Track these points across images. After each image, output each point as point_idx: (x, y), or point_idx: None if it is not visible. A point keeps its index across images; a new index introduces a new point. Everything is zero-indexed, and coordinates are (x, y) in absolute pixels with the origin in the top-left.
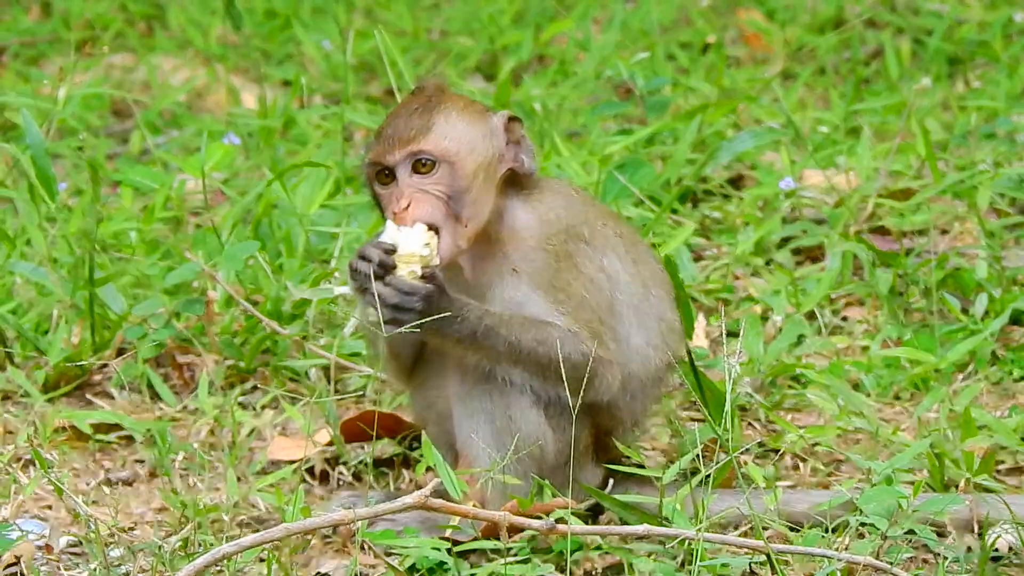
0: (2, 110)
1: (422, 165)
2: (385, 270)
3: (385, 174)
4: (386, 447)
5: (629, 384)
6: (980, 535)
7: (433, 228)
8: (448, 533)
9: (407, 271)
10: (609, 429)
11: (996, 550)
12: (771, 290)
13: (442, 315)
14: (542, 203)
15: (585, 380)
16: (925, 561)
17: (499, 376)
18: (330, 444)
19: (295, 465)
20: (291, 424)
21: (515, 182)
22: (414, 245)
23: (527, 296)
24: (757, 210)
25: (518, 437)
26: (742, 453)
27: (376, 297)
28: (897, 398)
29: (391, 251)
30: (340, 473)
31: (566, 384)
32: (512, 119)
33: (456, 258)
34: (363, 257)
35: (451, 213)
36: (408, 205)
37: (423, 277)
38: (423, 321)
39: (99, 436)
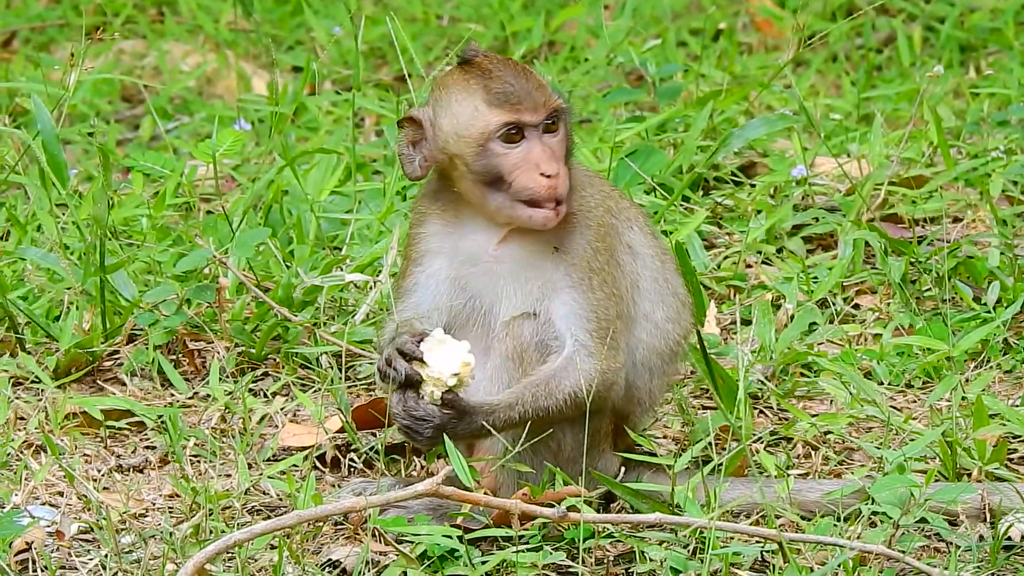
0: (13, 96)
1: (552, 125)
2: (409, 386)
3: (515, 132)
4: (397, 434)
5: (651, 361)
6: (992, 524)
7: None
8: (460, 521)
9: (430, 389)
10: (627, 412)
11: (1008, 539)
12: (783, 278)
13: (463, 432)
14: (575, 179)
15: (602, 392)
16: (937, 550)
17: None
18: (341, 431)
19: (306, 452)
20: (302, 411)
21: None
22: (446, 367)
23: (563, 281)
24: (769, 197)
25: (534, 427)
26: (754, 441)
27: (391, 408)
28: (909, 386)
29: (418, 360)
30: (351, 460)
31: (587, 410)
32: None
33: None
34: (390, 363)
35: (567, 179)
36: (559, 171)
37: (443, 402)
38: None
39: (110, 422)
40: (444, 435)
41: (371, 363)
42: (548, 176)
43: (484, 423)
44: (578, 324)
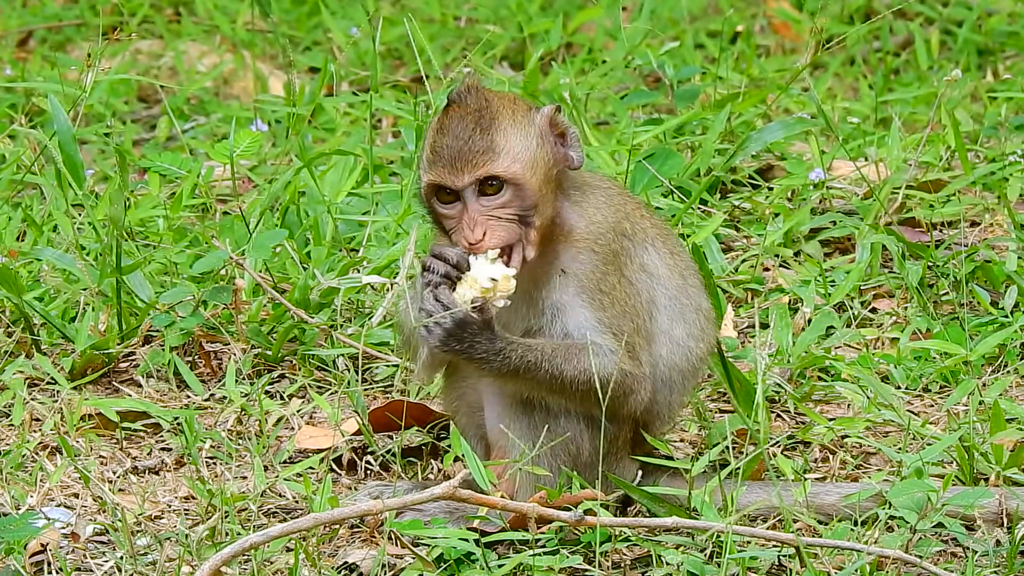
0: (30, 96)
1: (490, 187)
2: (446, 280)
3: (447, 192)
4: (414, 437)
5: (671, 377)
6: (1009, 529)
7: (504, 251)
8: (476, 524)
9: (468, 293)
10: (647, 422)
11: None
12: (800, 281)
13: (479, 347)
14: (588, 202)
15: (620, 398)
16: (954, 555)
17: (535, 402)
18: (357, 433)
19: (323, 454)
20: (319, 413)
21: (561, 178)
22: (481, 273)
23: (572, 301)
24: (786, 201)
25: (552, 432)
26: (771, 445)
27: (419, 299)
28: (926, 390)
29: (460, 267)
30: (368, 463)
31: (603, 408)
32: (555, 110)
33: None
34: (437, 257)
35: (521, 231)
36: (484, 234)
37: (474, 307)
38: (454, 348)
39: (126, 424)
40: (455, 342)
41: (388, 366)
42: (468, 241)
43: (501, 347)
44: (594, 331)
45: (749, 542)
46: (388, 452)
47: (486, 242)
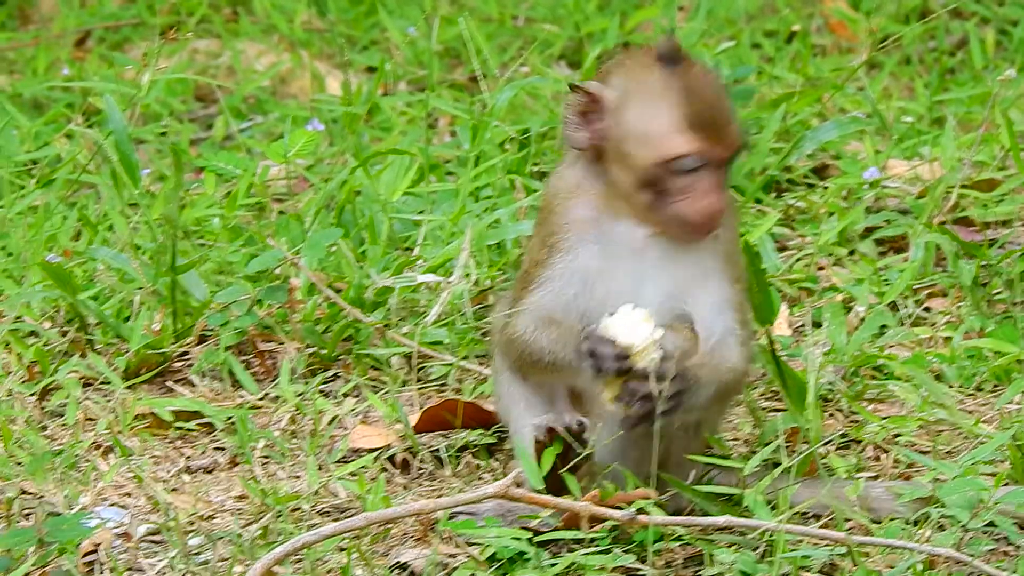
0: (86, 95)
1: (734, 156)
2: (622, 373)
3: (698, 162)
4: (468, 436)
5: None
6: None
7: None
8: (534, 524)
9: (645, 362)
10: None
11: None
12: (854, 280)
13: (680, 405)
14: None
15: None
16: (1006, 553)
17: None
18: (415, 431)
19: (376, 453)
20: (372, 412)
21: None
22: (639, 336)
23: (715, 268)
24: (841, 200)
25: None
26: (824, 443)
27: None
28: (979, 389)
29: (624, 356)
30: (421, 461)
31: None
32: None
33: None
34: (597, 359)
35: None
36: (722, 205)
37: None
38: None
39: (179, 423)
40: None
41: (443, 365)
42: (715, 210)
43: (693, 393)
44: (728, 314)
45: (801, 541)
46: (451, 449)
47: (723, 211)
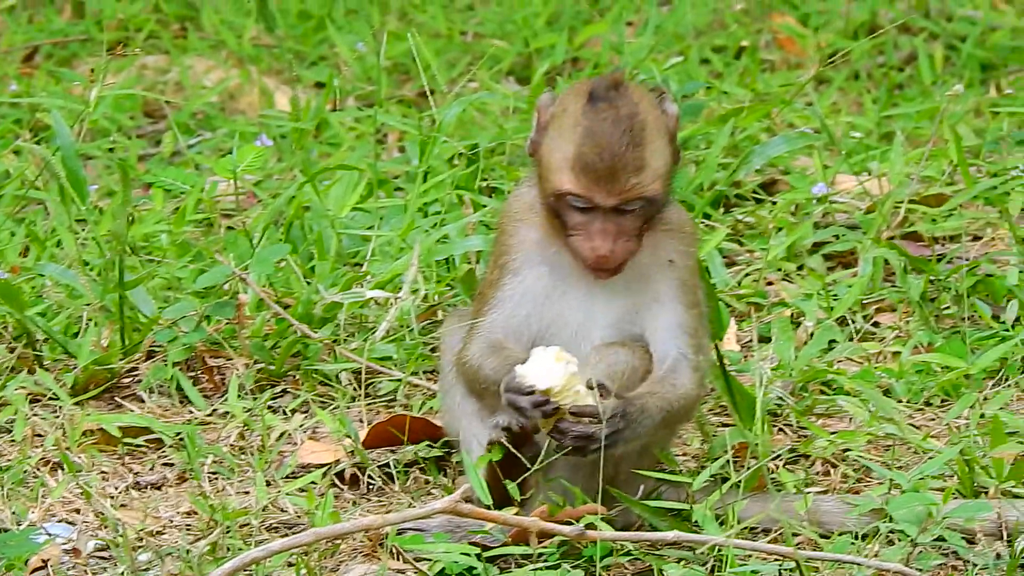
0: (34, 111)
1: (631, 207)
2: (550, 416)
3: (582, 204)
4: (417, 451)
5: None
6: (1009, 542)
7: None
8: (478, 538)
9: (570, 401)
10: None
11: None
12: (803, 295)
13: (623, 436)
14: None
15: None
16: (954, 568)
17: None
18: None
19: (325, 469)
20: (321, 428)
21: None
22: (555, 377)
23: (671, 294)
24: (789, 215)
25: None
26: (773, 459)
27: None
28: (928, 404)
29: (543, 401)
30: (370, 477)
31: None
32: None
33: None
34: (519, 409)
35: (637, 241)
36: (613, 251)
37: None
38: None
39: (128, 439)
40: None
41: (391, 380)
42: (598, 255)
43: (639, 424)
44: (681, 339)
45: (750, 556)
46: (400, 465)
47: (613, 258)
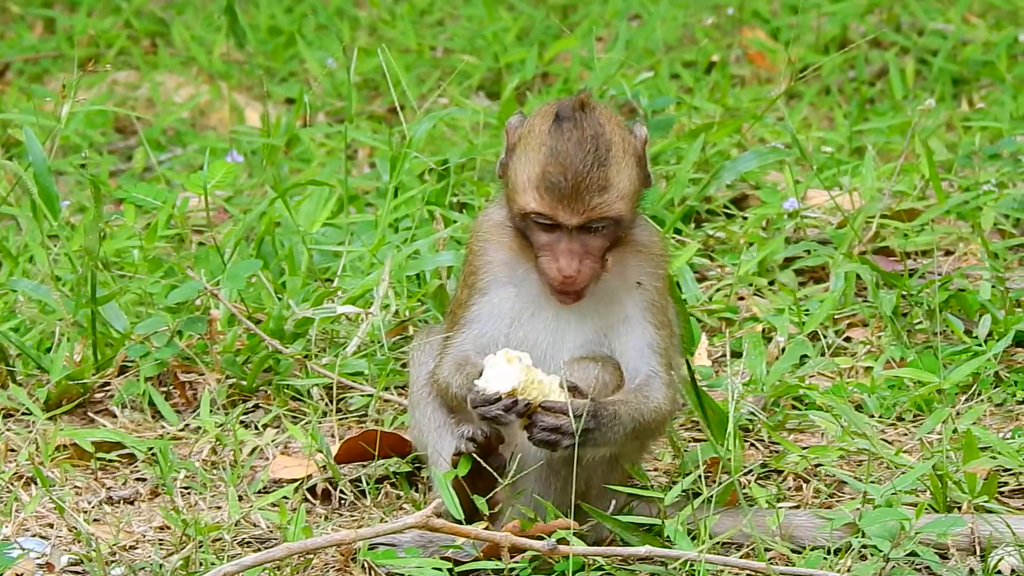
0: (5, 127)
1: (595, 227)
2: (524, 414)
3: (548, 223)
4: (388, 466)
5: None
6: (983, 557)
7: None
8: (450, 553)
9: (537, 393)
10: (645, 446)
11: (999, 572)
12: (774, 310)
13: (595, 438)
14: (645, 220)
15: (669, 423)
16: None
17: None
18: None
19: (297, 484)
20: (293, 443)
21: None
22: (513, 376)
23: (639, 315)
24: (761, 230)
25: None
26: (744, 474)
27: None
28: (900, 419)
29: (512, 402)
30: (342, 492)
31: (660, 435)
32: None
33: None
34: (493, 419)
35: (603, 262)
36: (578, 271)
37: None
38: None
39: (101, 454)
40: (584, 443)
41: (363, 395)
42: (564, 275)
43: (610, 427)
44: (652, 358)
45: (722, 571)
46: (371, 479)
47: (578, 278)
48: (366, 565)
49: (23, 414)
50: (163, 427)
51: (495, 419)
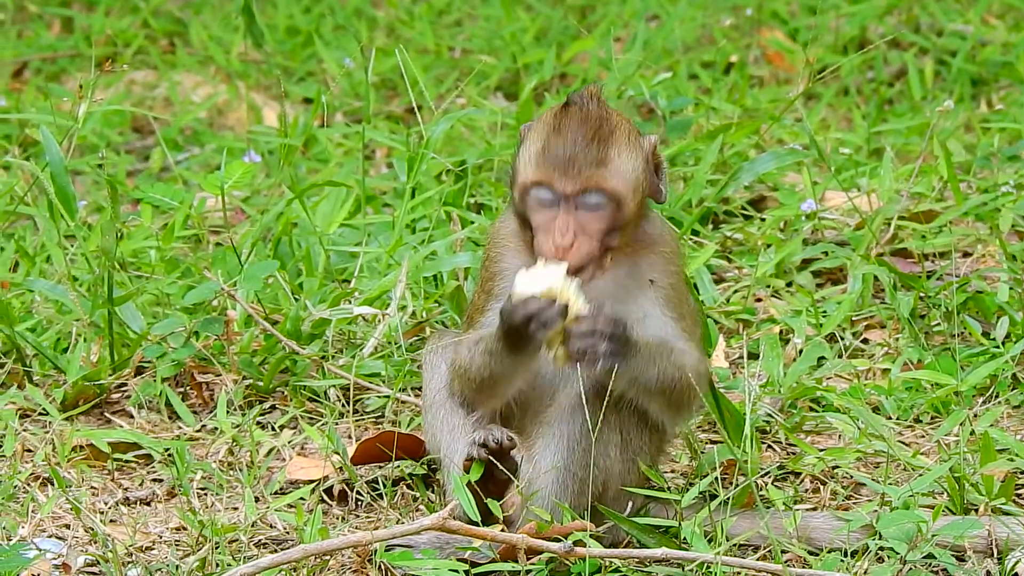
0: (23, 126)
1: (592, 199)
2: (559, 320)
3: (547, 195)
4: (405, 467)
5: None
6: (999, 559)
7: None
8: (467, 555)
9: (573, 297)
10: (663, 447)
11: (1015, 574)
12: (792, 312)
13: (631, 352)
14: (657, 218)
15: (696, 402)
16: None
17: (629, 407)
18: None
19: (313, 485)
20: (310, 444)
21: (646, 207)
22: (550, 278)
23: (656, 311)
24: (778, 231)
25: (583, 476)
26: (761, 475)
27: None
28: (917, 421)
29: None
30: (358, 493)
31: (691, 408)
32: (658, 141)
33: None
34: (528, 317)
35: (601, 249)
36: (572, 244)
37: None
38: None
39: (117, 455)
40: (619, 357)
41: (379, 397)
42: (556, 245)
43: (640, 347)
44: (679, 339)
45: (739, 573)
46: (388, 481)
47: (572, 252)
48: (382, 566)
49: (40, 414)
50: (180, 428)
51: (538, 318)
